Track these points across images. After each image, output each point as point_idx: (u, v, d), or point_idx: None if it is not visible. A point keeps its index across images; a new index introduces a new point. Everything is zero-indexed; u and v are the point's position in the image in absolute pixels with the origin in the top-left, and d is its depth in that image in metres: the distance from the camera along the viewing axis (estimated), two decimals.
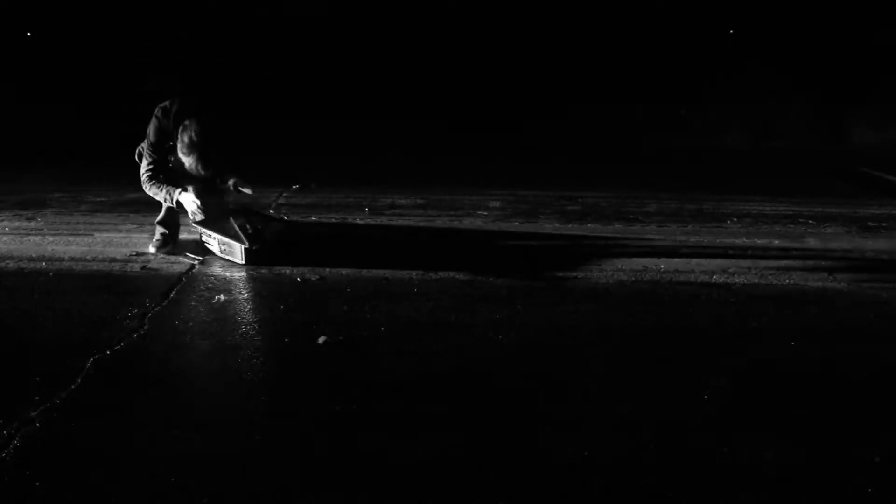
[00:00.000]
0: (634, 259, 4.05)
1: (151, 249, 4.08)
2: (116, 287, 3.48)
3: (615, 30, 9.10)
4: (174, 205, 3.91)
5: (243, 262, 3.82)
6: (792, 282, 3.67)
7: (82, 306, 3.21)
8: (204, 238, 4.07)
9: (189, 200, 3.85)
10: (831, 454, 2.12)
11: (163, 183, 3.92)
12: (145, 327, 2.98)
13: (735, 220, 5.11)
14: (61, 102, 9.22)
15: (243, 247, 3.82)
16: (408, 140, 8.71)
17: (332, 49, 9.45)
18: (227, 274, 3.72)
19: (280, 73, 9.33)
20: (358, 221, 4.93)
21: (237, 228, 3.95)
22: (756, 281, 3.68)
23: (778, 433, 2.22)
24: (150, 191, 3.94)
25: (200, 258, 3.94)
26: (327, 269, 3.78)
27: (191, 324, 3.03)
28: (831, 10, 8.73)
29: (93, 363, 2.62)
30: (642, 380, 2.57)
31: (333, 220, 4.94)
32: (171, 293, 3.40)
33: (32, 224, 4.77)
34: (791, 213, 5.36)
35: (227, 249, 3.92)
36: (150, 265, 3.84)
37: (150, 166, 3.92)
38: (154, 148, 3.89)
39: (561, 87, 9.13)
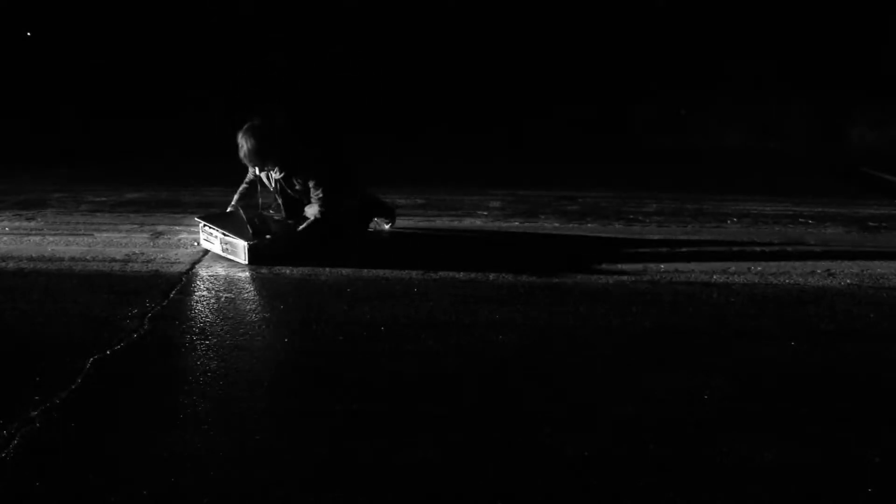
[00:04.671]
0: (634, 259, 4.05)
1: None
2: (116, 287, 3.48)
3: (615, 30, 9.10)
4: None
5: (246, 261, 3.82)
6: (792, 282, 3.67)
7: (82, 306, 3.21)
8: (204, 237, 4.07)
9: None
10: (831, 454, 2.12)
11: None
12: (145, 327, 2.98)
13: (735, 220, 5.11)
14: (60, 102, 9.22)
15: (246, 244, 3.81)
16: (407, 140, 8.71)
17: (330, 48, 9.44)
18: (228, 274, 3.72)
19: (278, 75, 9.33)
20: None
21: (239, 227, 3.95)
22: (756, 281, 3.68)
23: (778, 433, 2.22)
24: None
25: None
26: (327, 269, 3.78)
27: (191, 324, 3.03)
28: (831, 10, 8.73)
29: (93, 363, 2.62)
30: (642, 380, 2.57)
31: None
32: (171, 293, 3.40)
33: (32, 224, 4.77)
34: (791, 213, 5.36)
35: (230, 249, 3.92)
36: (150, 265, 3.85)
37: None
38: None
39: (560, 87, 9.12)
